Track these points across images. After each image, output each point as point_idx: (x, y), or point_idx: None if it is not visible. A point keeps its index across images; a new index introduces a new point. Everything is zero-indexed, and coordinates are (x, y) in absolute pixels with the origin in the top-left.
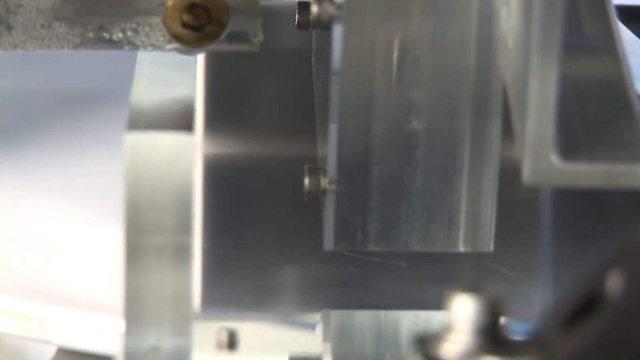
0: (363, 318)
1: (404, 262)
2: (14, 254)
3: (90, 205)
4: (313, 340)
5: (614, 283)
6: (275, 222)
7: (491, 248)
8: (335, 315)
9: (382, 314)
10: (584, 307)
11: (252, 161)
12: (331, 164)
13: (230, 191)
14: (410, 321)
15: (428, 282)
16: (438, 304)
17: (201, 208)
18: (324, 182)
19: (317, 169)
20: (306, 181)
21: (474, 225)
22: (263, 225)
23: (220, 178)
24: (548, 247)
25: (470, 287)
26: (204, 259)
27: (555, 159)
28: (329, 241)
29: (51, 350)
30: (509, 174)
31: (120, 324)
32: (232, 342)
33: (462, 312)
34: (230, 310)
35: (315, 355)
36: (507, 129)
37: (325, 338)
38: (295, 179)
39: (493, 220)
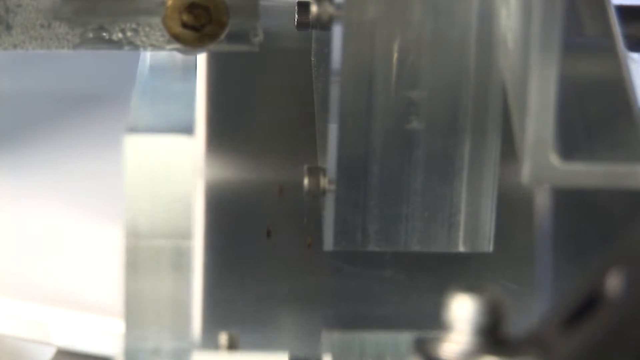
0: (364, 339)
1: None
2: (13, 255)
3: (90, 206)
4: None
5: (614, 283)
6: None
7: (490, 248)
8: (337, 336)
9: (383, 336)
10: (584, 307)
11: (252, 167)
12: (331, 164)
13: (231, 214)
14: (410, 342)
15: (427, 293)
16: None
17: (202, 211)
18: (324, 182)
19: (317, 169)
20: (306, 181)
21: (473, 225)
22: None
23: (221, 184)
24: (546, 260)
25: (470, 287)
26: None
27: (555, 159)
28: (328, 241)
29: (51, 352)
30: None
31: (119, 325)
32: (232, 345)
33: (462, 312)
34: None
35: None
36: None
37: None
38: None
39: (493, 220)
